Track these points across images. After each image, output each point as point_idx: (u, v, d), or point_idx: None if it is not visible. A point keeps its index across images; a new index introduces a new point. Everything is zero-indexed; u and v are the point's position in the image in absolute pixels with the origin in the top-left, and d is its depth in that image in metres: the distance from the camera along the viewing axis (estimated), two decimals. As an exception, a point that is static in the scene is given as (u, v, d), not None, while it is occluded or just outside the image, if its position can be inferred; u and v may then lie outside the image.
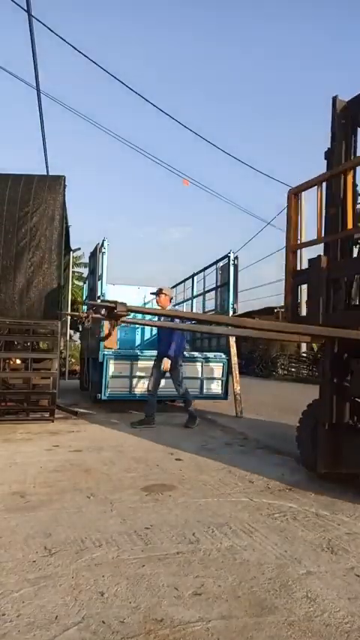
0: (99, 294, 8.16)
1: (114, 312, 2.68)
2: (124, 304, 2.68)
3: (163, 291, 6.11)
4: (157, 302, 6.32)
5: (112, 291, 8.17)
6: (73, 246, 11.50)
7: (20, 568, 2.11)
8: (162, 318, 4.25)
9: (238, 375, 7.48)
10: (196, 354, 8.13)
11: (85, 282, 12.03)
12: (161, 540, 2.44)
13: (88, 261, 10.41)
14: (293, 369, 18.19)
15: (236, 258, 7.83)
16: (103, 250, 7.80)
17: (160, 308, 6.14)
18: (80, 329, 15.26)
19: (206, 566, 2.18)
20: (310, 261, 3.61)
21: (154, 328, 11.24)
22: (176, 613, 1.79)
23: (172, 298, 6.32)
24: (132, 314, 2.86)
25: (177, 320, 4.29)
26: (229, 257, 7.90)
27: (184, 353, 8.04)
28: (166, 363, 6.07)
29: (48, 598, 1.87)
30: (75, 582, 2.00)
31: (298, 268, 3.77)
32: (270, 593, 1.96)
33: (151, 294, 6.28)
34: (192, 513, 2.83)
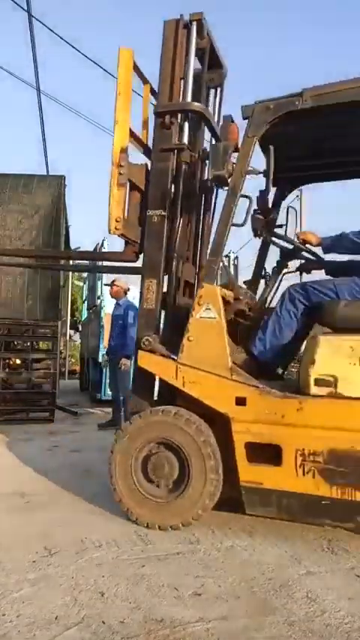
0: (98, 294, 8.16)
1: None
2: None
3: (115, 283, 5.94)
4: (109, 293, 6.17)
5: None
6: (73, 246, 11.50)
7: (20, 568, 2.11)
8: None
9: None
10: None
11: (84, 282, 12.04)
12: (161, 540, 2.44)
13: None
14: (293, 369, 18.15)
15: (236, 258, 7.86)
16: (102, 250, 7.80)
17: (115, 300, 6.02)
18: (80, 329, 15.29)
19: (206, 566, 2.18)
20: None
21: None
22: (176, 613, 1.79)
23: (126, 290, 5.94)
24: None
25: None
26: (229, 257, 7.92)
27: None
28: (127, 365, 5.41)
29: (48, 598, 1.87)
30: (75, 582, 2.00)
31: None
32: (270, 593, 1.96)
33: (105, 285, 6.14)
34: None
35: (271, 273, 3.28)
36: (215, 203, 3.34)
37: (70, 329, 16.72)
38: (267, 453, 2.40)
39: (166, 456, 2.56)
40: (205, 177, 3.27)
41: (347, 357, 2.29)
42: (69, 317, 13.74)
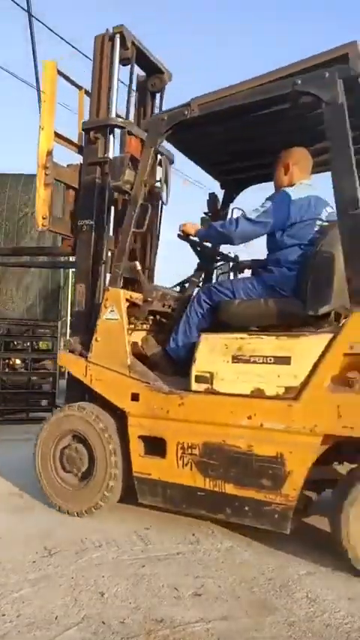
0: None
1: None
2: None
3: None
4: None
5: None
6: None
7: (20, 568, 2.11)
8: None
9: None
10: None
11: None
12: (161, 540, 2.44)
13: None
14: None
15: (236, 257, 7.83)
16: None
17: None
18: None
19: (206, 566, 2.18)
20: None
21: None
22: (176, 613, 1.79)
23: None
24: None
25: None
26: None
27: None
28: None
29: (48, 598, 1.87)
30: (75, 582, 2.00)
31: None
32: (270, 593, 1.96)
33: None
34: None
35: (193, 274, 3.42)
36: (161, 210, 3.52)
37: (71, 329, 16.71)
38: (156, 446, 2.54)
39: (77, 448, 2.75)
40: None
41: (222, 354, 2.39)
42: (69, 317, 13.75)
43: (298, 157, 2.73)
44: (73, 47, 7.95)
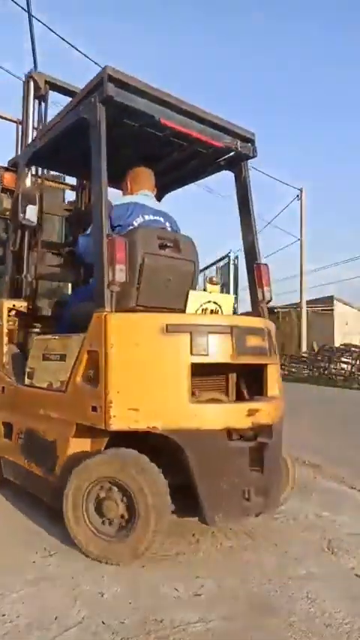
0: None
1: None
2: None
3: None
4: None
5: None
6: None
7: (20, 568, 2.11)
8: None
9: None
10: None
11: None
12: (161, 540, 2.43)
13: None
14: (294, 370, 18.23)
15: (236, 258, 7.83)
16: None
17: None
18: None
19: (206, 566, 2.17)
20: None
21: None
22: (176, 613, 1.79)
23: None
24: None
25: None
26: (229, 257, 7.90)
27: None
28: None
29: (48, 598, 1.87)
30: (75, 582, 2.00)
31: None
32: (270, 593, 1.96)
33: None
34: (192, 514, 2.82)
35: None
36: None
37: None
38: (11, 431, 2.94)
39: None
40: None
41: (39, 353, 2.73)
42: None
43: (137, 172, 2.97)
44: (74, 47, 7.95)
